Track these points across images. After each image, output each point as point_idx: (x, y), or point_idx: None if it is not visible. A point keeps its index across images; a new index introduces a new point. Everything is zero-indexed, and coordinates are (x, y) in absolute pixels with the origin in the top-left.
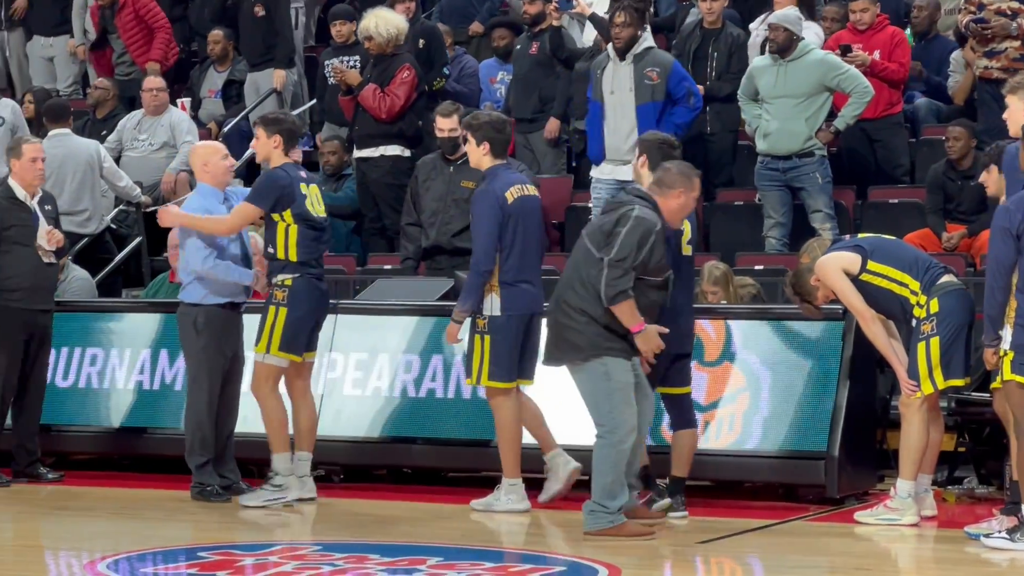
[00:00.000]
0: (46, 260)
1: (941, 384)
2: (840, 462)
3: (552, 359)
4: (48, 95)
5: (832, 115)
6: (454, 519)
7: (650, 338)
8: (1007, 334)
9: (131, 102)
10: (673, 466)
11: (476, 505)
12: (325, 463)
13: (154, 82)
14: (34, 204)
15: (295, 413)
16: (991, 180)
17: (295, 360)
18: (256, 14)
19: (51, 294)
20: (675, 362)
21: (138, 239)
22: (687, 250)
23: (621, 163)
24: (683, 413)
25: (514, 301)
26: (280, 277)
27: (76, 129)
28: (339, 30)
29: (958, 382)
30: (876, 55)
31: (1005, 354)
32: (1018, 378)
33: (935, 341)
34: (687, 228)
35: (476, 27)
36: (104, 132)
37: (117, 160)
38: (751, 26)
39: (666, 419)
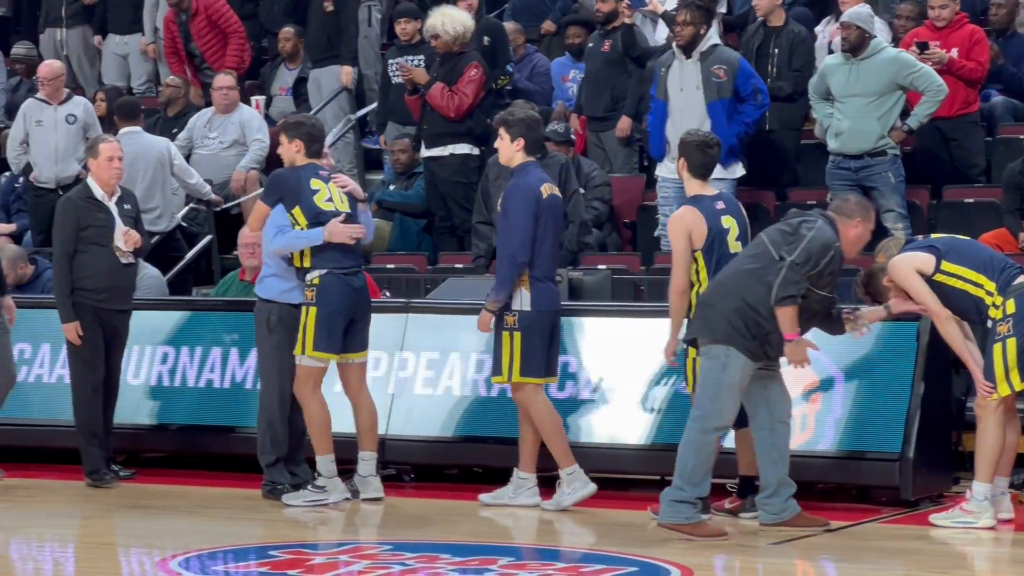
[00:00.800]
0: (124, 261)
1: (1018, 385)
2: (915, 464)
3: (688, 334)
4: (120, 93)
5: (906, 113)
6: (525, 519)
7: (800, 350)
8: None
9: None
10: (741, 466)
11: (547, 506)
12: (396, 463)
13: (224, 80)
14: (112, 204)
15: (354, 414)
16: None
17: (331, 358)
18: (325, 9)
19: (129, 295)
20: None
21: (208, 237)
22: (736, 247)
23: None
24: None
25: (543, 297)
26: (309, 277)
27: (147, 127)
28: (403, 28)
29: None
30: (954, 53)
31: None
32: None
33: (1012, 342)
34: (733, 225)
35: (548, 25)
36: (175, 130)
37: (187, 158)
38: (816, 29)
39: None
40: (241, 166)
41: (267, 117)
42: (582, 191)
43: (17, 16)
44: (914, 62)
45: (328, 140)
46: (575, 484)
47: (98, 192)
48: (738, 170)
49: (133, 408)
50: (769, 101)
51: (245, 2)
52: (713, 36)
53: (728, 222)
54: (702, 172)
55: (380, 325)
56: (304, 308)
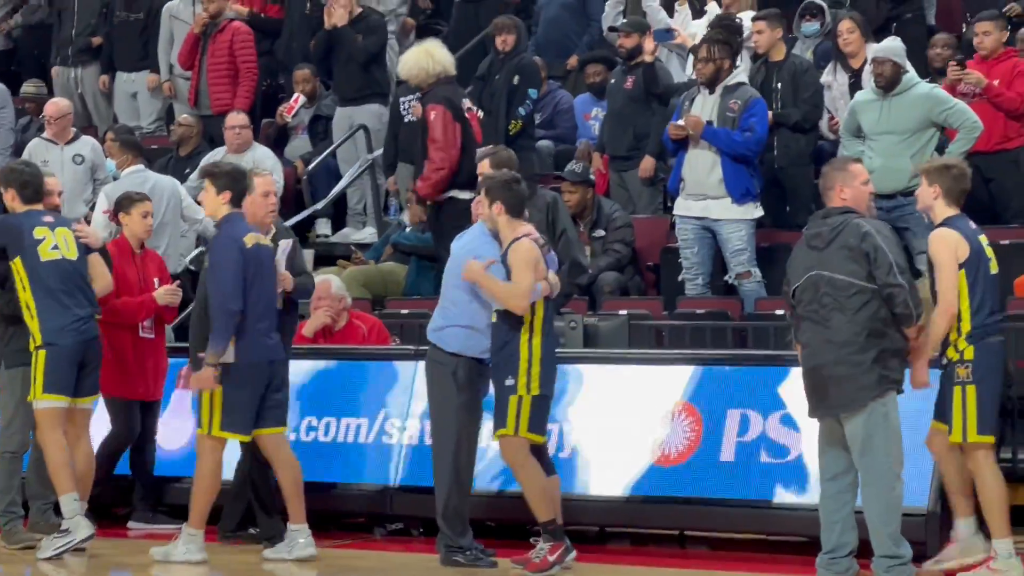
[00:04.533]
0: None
1: (972, 438)
2: (942, 520)
3: (829, 410)
4: (130, 132)
5: (940, 150)
6: None
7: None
8: None
9: (211, 141)
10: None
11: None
12: (404, 516)
13: (237, 119)
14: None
15: (73, 456)
16: None
17: (65, 400)
18: (355, 41)
19: (289, 342)
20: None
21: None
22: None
23: (702, 198)
24: (545, 461)
25: (249, 349)
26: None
27: (159, 167)
28: None
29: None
30: (995, 83)
31: None
32: None
33: (971, 390)
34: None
35: (574, 61)
36: (187, 170)
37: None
38: (823, 80)
39: None
40: None
41: (280, 155)
42: (603, 232)
43: (19, 51)
44: (948, 98)
45: (344, 180)
46: (191, 546)
47: None
48: (754, 211)
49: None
50: (758, 143)
51: (263, 39)
52: (740, 74)
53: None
54: (519, 211)
55: (388, 373)
56: (35, 352)
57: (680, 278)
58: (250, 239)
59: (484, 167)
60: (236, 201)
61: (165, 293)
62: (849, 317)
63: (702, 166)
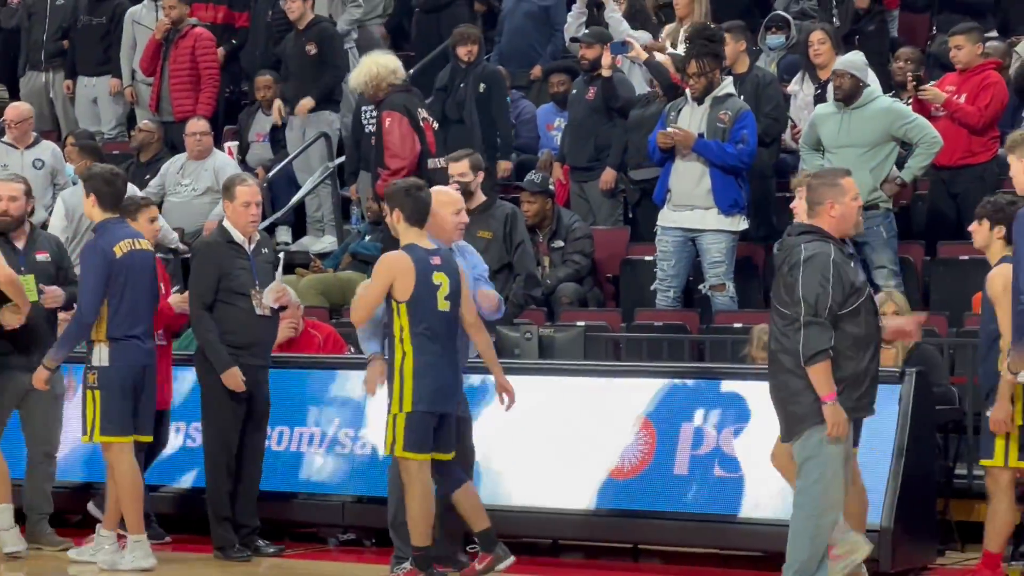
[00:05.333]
0: (259, 312)
1: None
2: (895, 535)
3: (784, 435)
4: (91, 137)
5: (900, 165)
6: None
7: (838, 412)
8: None
9: (172, 147)
10: (473, 524)
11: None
12: (360, 527)
13: (198, 126)
14: (250, 250)
15: None
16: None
17: None
18: (308, 52)
19: (270, 349)
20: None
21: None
22: (444, 305)
23: (690, 208)
24: (453, 475)
25: (123, 354)
26: None
27: None
28: None
29: None
30: (962, 99)
31: None
32: None
33: None
34: (445, 283)
35: (537, 71)
36: (148, 176)
37: (160, 206)
38: (789, 88)
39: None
40: (214, 215)
41: (242, 163)
42: (562, 243)
43: None
44: (908, 112)
45: (305, 188)
46: (137, 553)
47: (237, 236)
48: (740, 223)
49: None
50: (750, 155)
51: (231, 51)
52: (728, 84)
53: (440, 278)
54: (418, 220)
55: (343, 382)
56: None
57: (652, 287)
58: (122, 247)
59: (463, 167)
60: (108, 204)
61: (181, 301)
62: (789, 348)
63: (690, 177)
